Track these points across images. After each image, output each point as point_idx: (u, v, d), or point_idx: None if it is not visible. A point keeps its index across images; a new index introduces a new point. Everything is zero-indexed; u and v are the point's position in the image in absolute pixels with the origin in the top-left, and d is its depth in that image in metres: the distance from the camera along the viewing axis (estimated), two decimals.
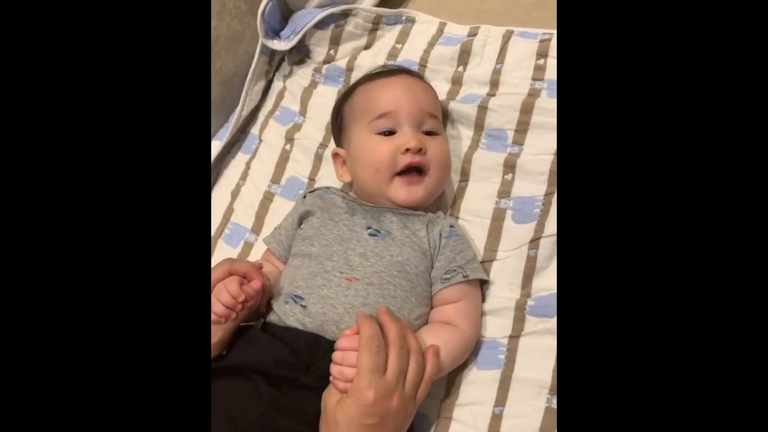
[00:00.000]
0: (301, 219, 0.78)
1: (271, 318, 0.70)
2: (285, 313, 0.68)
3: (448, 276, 0.70)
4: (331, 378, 0.61)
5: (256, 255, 0.88)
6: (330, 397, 0.59)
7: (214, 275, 0.67)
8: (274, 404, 0.61)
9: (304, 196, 0.81)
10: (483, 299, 0.74)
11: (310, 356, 0.64)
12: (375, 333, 0.59)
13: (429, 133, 0.76)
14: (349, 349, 0.60)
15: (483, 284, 0.74)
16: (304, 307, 0.67)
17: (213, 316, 0.65)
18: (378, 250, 0.70)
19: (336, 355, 0.61)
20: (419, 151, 0.72)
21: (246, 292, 0.65)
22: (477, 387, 0.70)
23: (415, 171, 0.73)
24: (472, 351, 0.71)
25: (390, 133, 0.74)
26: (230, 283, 0.65)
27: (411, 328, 0.65)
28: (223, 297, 0.64)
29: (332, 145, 0.91)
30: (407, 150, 0.72)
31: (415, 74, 0.84)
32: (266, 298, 0.72)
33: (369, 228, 0.72)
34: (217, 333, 0.66)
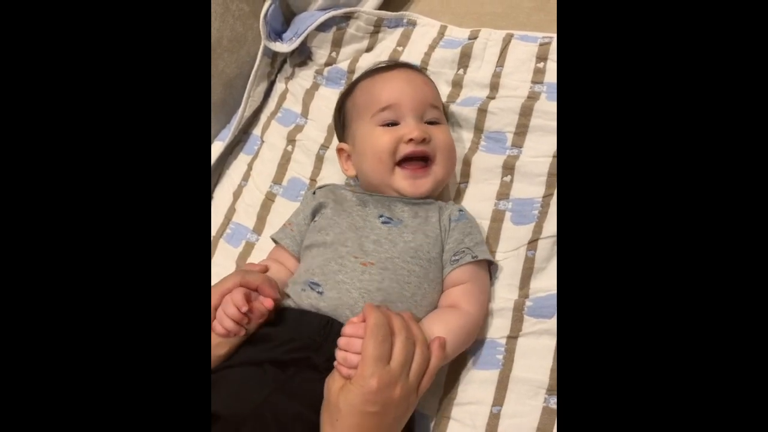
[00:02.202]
0: (314, 212, 0.79)
1: (286, 303, 0.70)
2: (300, 299, 0.69)
3: (456, 258, 0.71)
4: (335, 363, 0.60)
5: (256, 255, 0.89)
6: (333, 383, 0.59)
7: (224, 286, 0.66)
8: (281, 387, 0.61)
9: (314, 192, 0.82)
10: None
11: (321, 337, 0.65)
12: (381, 322, 0.59)
13: (432, 123, 0.77)
14: (354, 336, 0.59)
15: (490, 266, 0.75)
16: (320, 293, 0.68)
17: (222, 330, 0.64)
18: (391, 236, 0.71)
19: (341, 341, 0.61)
20: (423, 140, 0.73)
21: (257, 308, 0.65)
22: (475, 386, 0.71)
23: (420, 161, 0.74)
24: (471, 351, 0.72)
25: (393, 124, 0.75)
26: (235, 294, 0.64)
27: (415, 319, 0.65)
28: (230, 310, 0.64)
29: (333, 146, 0.92)
30: (410, 140, 0.73)
31: (414, 67, 0.85)
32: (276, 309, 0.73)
33: (381, 216, 0.73)
34: (224, 347, 0.65)
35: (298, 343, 0.65)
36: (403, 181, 0.74)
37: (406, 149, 0.73)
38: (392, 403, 0.58)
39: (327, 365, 0.62)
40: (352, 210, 0.75)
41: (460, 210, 0.75)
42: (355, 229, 0.72)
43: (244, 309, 0.63)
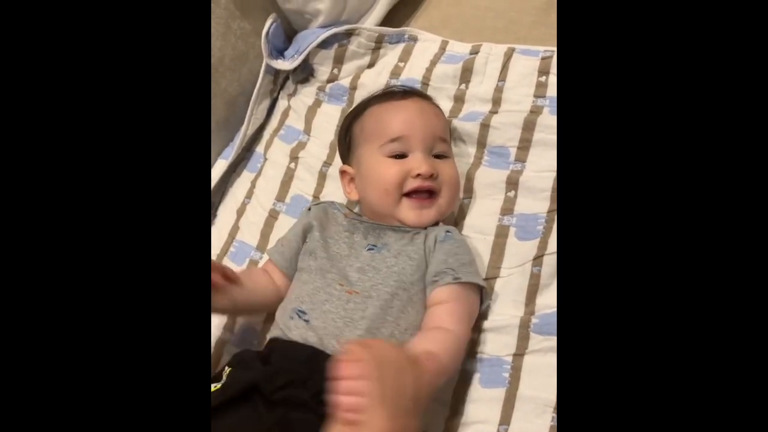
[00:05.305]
0: (305, 231, 0.79)
1: (276, 333, 0.71)
2: (289, 328, 0.69)
3: (436, 278, 0.70)
4: (340, 413, 0.56)
5: None
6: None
7: None
8: (273, 427, 0.60)
9: (309, 209, 0.82)
10: (485, 316, 0.74)
11: (308, 370, 0.64)
12: (371, 356, 0.57)
13: (439, 156, 0.77)
14: (351, 378, 0.56)
15: (483, 291, 0.72)
16: (306, 321, 0.68)
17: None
18: (375, 263, 0.71)
19: (341, 387, 0.57)
20: (431, 176, 0.74)
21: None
22: (481, 405, 0.70)
23: (425, 193, 0.74)
24: (476, 369, 0.71)
25: (401, 156, 0.75)
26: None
27: (397, 343, 0.64)
28: None
29: (336, 163, 0.92)
30: (418, 175, 0.73)
31: (426, 97, 0.85)
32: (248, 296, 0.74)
33: (368, 245, 0.74)
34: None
35: (285, 378, 0.63)
36: (409, 211, 0.74)
37: (413, 183, 0.74)
38: None
39: (314, 401, 0.61)
40: (339, 237, 0.75)
41: (448, 231, 0.74)
42: (340, 258, 0.73)
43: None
